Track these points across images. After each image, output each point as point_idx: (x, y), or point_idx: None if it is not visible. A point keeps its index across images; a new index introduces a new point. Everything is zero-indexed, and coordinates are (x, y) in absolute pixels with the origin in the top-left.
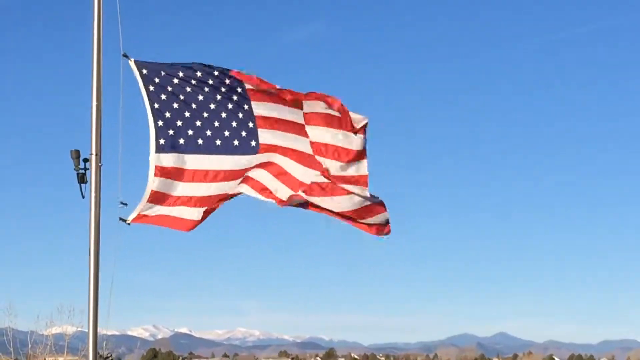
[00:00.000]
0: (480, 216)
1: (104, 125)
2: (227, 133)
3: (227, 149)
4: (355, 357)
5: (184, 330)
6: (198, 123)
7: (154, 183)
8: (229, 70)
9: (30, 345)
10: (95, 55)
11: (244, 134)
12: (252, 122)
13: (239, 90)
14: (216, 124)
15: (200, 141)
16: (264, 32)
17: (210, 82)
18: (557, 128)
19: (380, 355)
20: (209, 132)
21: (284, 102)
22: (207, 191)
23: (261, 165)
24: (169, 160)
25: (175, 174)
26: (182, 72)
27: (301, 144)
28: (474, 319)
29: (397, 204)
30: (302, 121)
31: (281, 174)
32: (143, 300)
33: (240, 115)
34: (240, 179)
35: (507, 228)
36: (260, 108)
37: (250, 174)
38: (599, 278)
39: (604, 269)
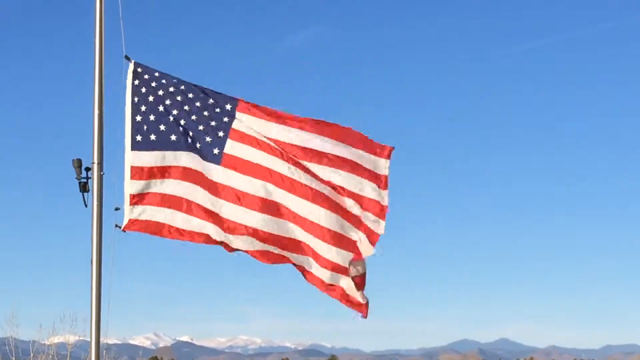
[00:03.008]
0: (481, 221)
1: (107, 133)
2: (191, 133)
3: (190, 148)
4: None
5: (185, 338)
6: (171, 118)
7: (131, 186)
8: (232, 98)
9: (32, 355)
10: (97, 63)
11: (208, 139)
12: (224, 132)
13: (228, 107)
14: (182, 122)
15: (173, 137)
16: (265, 36)
17: (198, 100)
18: (562, 130)
19: None
20: (180, 129)
21: (288, 123)
22: (174, 189)
23: (223, 194)
24: (144, 159)
25: (150, 173)
26: (175, 80)
27: (280, 167)
28: (475, 325)
29: (397, 208)
30: (306, 145)
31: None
32: (144, 309)
33: (213, 123)
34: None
35: (508, 233)
36: (242, 123)
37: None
38: (601, 283)
39: (606, 274)
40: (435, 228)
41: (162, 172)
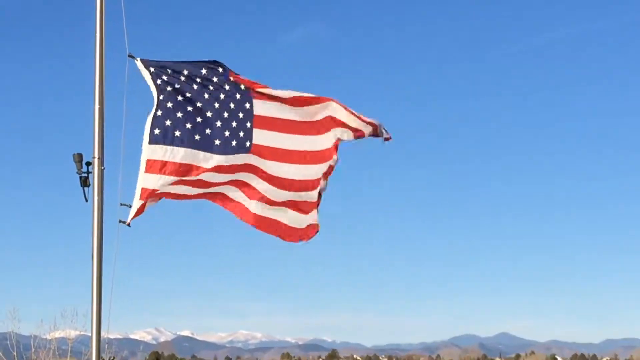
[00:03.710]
0: (481, 216)
1: (107, 128)
2: (227, 133)
3: (225, 149)
4: (358, 358)
5: (186, 333)
6: (199, 119)
7: (144, 180)
8: (229, 70)
9: (33, 350)
10: (97, 58)
11: (241, 134)
12: (250, 122)
13: (243, 87)
14: (218, 123)
15: (197, 137)
16: (263, 33)
17: (215, 79)
18: (563, 129)
19: (383, 356)
20: (208, 131)
21: (284, 101)
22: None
23: (250, 170)
24: (161, 153)
25: (166, 168)
26: (187, 69)
27: (298, 144)
28: (476, 320)
29: (397, 204)
30: (304, 119)
31: (269, 179)
32: (145, 304)
33: (241, 115)
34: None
35: (508, 228)
36: (259, 107)
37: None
38: (601, 277)
39: (606, 268)
40: (435, 225)
41: (177, 170)
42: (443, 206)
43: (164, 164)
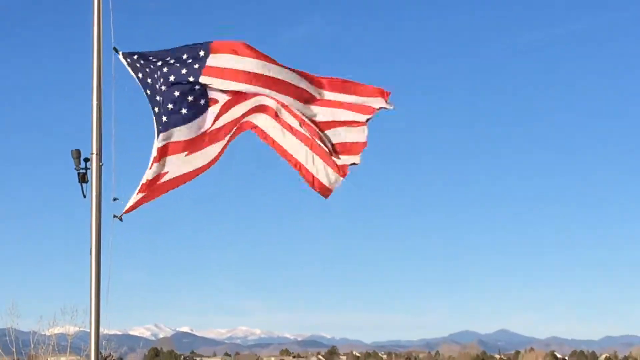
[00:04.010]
0: (480, 213)
1: (105, 124)
2: (190, 98)
3: (187, 119)
4: (357, 354)
5: (185, 329)
6: (158, 98)
7: (145, 175)
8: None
9: (32, 346)
10: (95, 54)
11: (201, 101)
12: (205, 100)
13: (196, 66)
14: (176, 93)
15: (164, 118)
16: (263, 29)
17: (184, 56)
18: (567, 126)
19: (383, 352)
20: (170, 106)
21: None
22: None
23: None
24: (159, 141)
25: (160, 154)
26: (162, 54)
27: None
28: (475, 316)
29: (398, 201)
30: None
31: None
32: (144, 300)
33: (197, 87)
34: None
35: (506, 224)
36: (209, 83)
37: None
38: (600, 274)
39: (605, 265)
40: (435, 222)
41: (171, 149)
42: (442, 203)
43: (158, 151)
